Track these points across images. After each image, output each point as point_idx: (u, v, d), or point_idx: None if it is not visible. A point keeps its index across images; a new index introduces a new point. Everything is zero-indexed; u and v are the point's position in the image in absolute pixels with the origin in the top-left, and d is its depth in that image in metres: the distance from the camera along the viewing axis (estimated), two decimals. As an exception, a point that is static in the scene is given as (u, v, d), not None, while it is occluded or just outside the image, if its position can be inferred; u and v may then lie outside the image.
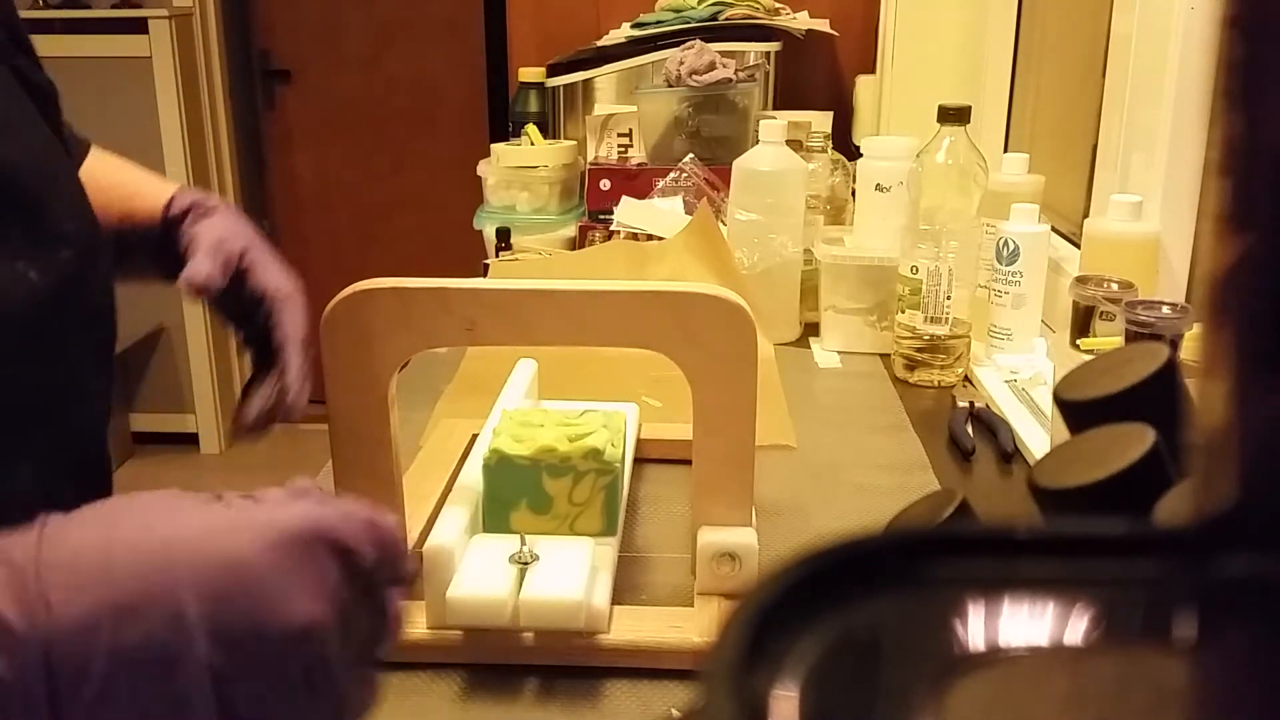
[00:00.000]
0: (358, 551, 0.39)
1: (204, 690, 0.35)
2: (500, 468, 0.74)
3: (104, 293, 0.66)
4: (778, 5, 1.97)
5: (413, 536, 0.82)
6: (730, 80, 1.70)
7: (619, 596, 0.75)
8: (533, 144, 1.75)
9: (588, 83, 1.90)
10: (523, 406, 0.90)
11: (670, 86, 1.72)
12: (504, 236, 1.57)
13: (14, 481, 0.56)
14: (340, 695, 0.38)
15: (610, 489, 0.75)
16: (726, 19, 1.86)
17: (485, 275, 1.45)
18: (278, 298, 0.73)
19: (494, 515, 0.76)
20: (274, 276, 0.73)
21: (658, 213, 1.48)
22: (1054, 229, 1.35)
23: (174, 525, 0.36)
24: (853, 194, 1.45)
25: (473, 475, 0.80)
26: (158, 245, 0.75)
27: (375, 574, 0.40)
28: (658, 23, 1.90)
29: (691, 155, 1.59)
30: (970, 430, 1.05)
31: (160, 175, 0.82)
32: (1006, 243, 1.18)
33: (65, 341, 0.60)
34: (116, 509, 0.37)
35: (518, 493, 0.75)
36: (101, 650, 0.34)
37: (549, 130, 1.88)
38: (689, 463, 0.97)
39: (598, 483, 0.75)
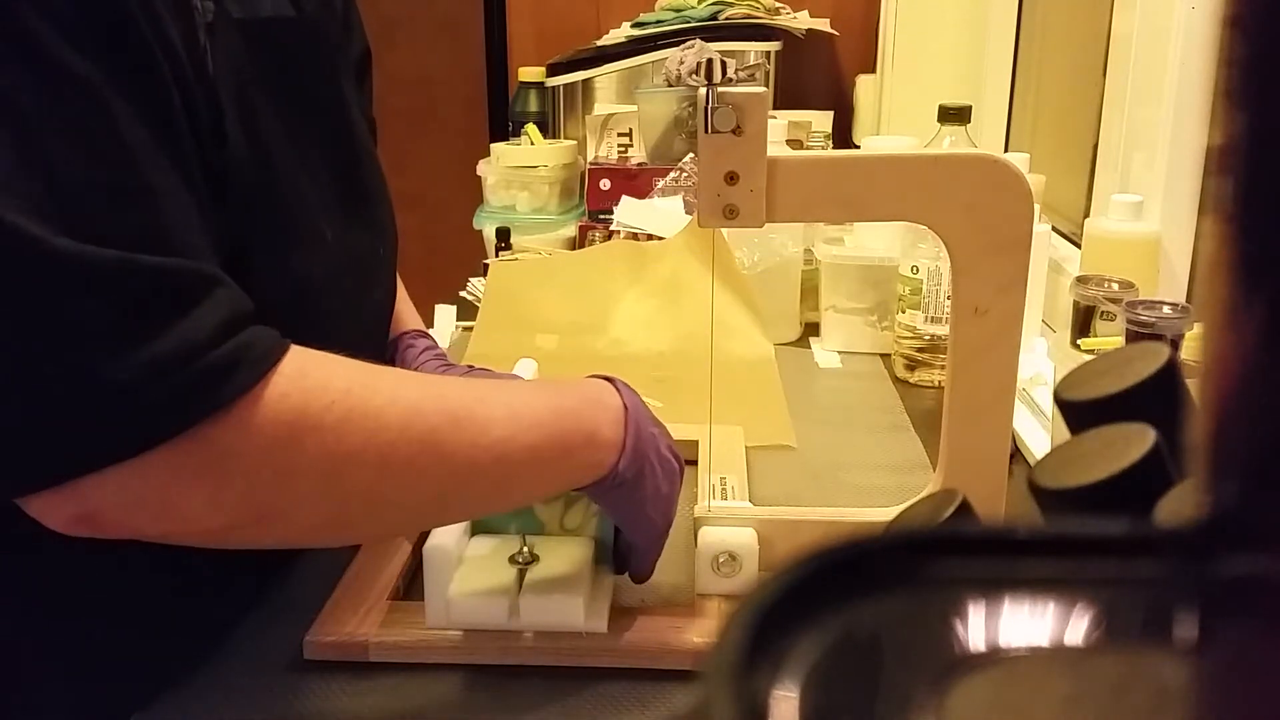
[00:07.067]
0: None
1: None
2: None
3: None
4: (778, 5, 1.97)
5: (412, 536, 0.82)
6: (730, 80, 1.70)
7: (619, 596, 0.75)
8: (533, 144, 1.75)
9: (588, 82, 1.90)
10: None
11: (670, 86, 1.72)
12: (504, 236, 1.57)
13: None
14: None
15: (603, 515, 0.73)
16: (726, 19, 1.86)
17: (485, 275, 1.45)
18: None
19: None
20: None
21: (658, 213, 1.47)
22: (1054, 229, 1.35)
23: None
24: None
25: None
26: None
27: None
28: (658, 22, 1.90)
29: (691, 155, 1.59)
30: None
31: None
32: (1007, 242, 1.18)
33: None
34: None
35: (507, 518, 0.74)
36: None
37: (549, 130, 1.88)
38: (689, 463, 0.97)
39: (590, 508, 0.74)
